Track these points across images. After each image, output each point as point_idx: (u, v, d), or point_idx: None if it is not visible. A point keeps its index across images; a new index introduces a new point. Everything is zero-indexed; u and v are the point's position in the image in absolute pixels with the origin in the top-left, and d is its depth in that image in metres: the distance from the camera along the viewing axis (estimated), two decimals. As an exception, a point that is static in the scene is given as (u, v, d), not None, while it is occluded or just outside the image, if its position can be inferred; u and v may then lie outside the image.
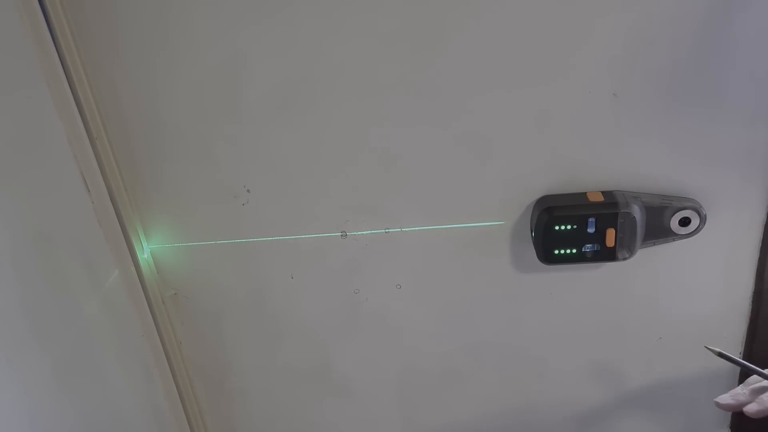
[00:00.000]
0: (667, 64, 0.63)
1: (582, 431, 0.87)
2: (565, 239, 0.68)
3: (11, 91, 0.57)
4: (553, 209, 0.67)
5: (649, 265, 0.73)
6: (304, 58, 0.64)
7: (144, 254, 0.75)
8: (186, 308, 0.80)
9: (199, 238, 0.75)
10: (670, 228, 0.69)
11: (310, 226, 0.74)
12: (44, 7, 0.60)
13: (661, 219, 0.68)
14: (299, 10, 0.62)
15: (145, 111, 0.68)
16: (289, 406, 0.87)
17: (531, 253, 0.72)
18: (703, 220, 0.68)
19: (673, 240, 0.70)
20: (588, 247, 0.68)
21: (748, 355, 0.78)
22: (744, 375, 0.79)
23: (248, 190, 0.72)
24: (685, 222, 0.68)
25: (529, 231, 0.72)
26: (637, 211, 0.66)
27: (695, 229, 0.69)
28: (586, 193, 0.69)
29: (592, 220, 0.67)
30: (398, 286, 0.77)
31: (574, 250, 0.69)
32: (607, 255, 0.68)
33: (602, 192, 0.68)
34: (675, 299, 0.76)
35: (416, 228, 0.73)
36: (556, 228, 0.68)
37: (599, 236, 0.67)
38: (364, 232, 0.74)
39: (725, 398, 0.57)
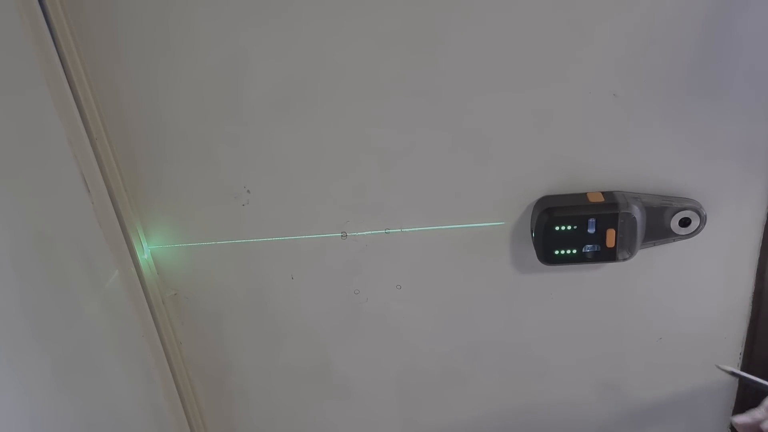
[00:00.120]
0: (667, 64, 0.63)
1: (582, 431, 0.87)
2: (565, 240, 0.68)
3: (11, 92, 0.57)
4: (553, 210, 0.67)
5: (649, 265, 0.73)
6: (305, 59, 0.64)
7: (144, 255, 0.75)
8: (186, 308, 0.80)
9: (199, 239, 0.75)
10: (670, 228, 0.69)
11: (311, 227, 0.74)
12: (44, 7, 0.60)
13: (661, 219, 0.68)
14: (300, 11, 0.62)
15: (146, 111, 0.68)
16: (289, 406, 0.87)
17: (531, 253, 0.72)
18: (703, 220, 0.68)
19: (674, 240, 0.70)
20: (588, 248, 0.68)
21: (748, 355, 0.78)
22: (744, 385, 0.79)
23: (248, 191, 0.72)
24: (685, 222, 0.68)
25: (530, 231, 0.72)
26: (637, 212, 0.66)
27: (695, 230, 0.69)
28: (586, 193, 0.69)
29: (592, 220, 0.67)
30: (398, 287, 0.77)
31: (575, 251, 0.69)
32: (608, 255, 0.68)
33: (602, 192, 0.68)
34: (675, 300, 0.76)
35: (416, 228, 0.73)
36: (557, 228, 0.68)
37: (599, 237, 0.68)
38: (365, 233, 0.74)
39: (742, 417, 0.58)
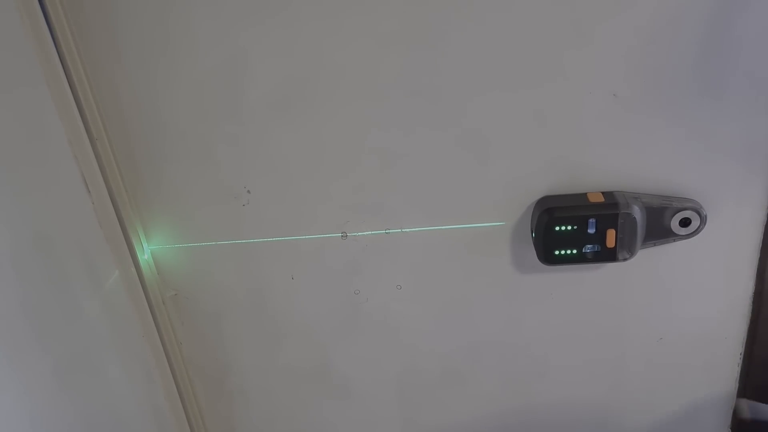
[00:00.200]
0: (667, 64, 0.63)
1: None
2: (565, 240, 0.68)
3: (11, 92, 0.57)
4: (553, 210, 0.67)
5: (649, 265, 0.73)
6: (305, 59, 0.64)
7: (144, 255, 0.75)
8: (186, 309, 0.80)
9: (199, 239, 0.75)
10: (670, 228, 0.69)
11: (311, 227, 0.74)
12: (44, 7, 0.60)
13: (661, 219, 0.68)
14: (300, 11, 0.62)
15: (146, 111, 0.68)
16: (289, 406, 0.87)
17: (531, 253, 0.72)
18: (703, 220, 0.68)
19: (674, 240, 0.70)
20: (588, 248, 0.68)
21: (748, 356, 0.78)
22: (745, 385, 0.79)
23: (249, 191, 0.72)
24: (685, 222, 0.68)
25: (530, 232, 0.72)
26: (637, 212, 0.66)
27: (695, 230, 0.69)
28: (586, 193, 0.69)
29: (592, 220, 0.67)
30: (399, 287, 0.77)
31: (575, 251, 0.69)
32: (608, 255, 0.68)
33: (602, 192, 0.68)
34: (675, 300, 0.76)
35: (417, 229, 0.73)
36: (557, 228, 0.68)
37: (600, 237, 0.67)
38: (365, 233, 0.74)
39: None
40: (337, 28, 0.63)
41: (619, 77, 0.63)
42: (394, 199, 0.72)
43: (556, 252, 0.69)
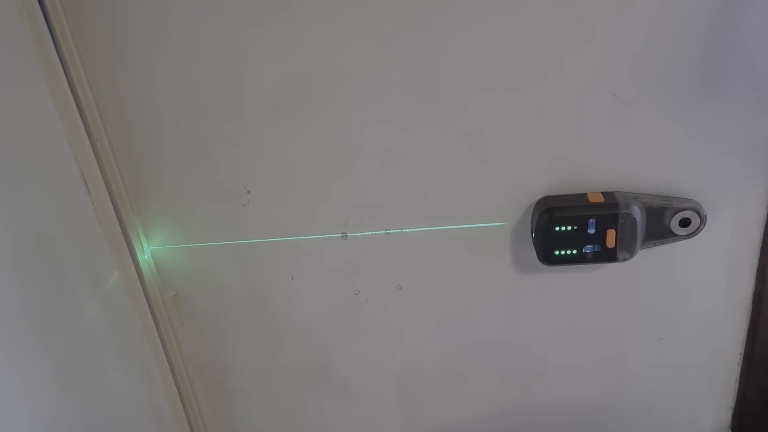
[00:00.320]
0: (667, 64, 0.63)
1: (582, 432, 0.87)
2: (565, 240, 0.68)
3: (11, 92, 0.57)
4: (553, 210, 0.67)
5: (649, 265, 0.73)
6: (305, 59, 0.64)
7: (144, 255, 0.75)
8: (186, 309, 0.80)
9: (199, 239, 0.75)
10: (670, 229, 0.69)
11: (311, 227, 0.74)
12: (44, 7, 0.60)
13: (661, 220, 0.68)
14: (300, 11, 0.62)
15: (146, 111, 0.68)
16: (289, 406, 0.87)
17: (531, 254, 0.72)
18: (703, 220, 0.68)
19: (674, 241, 0.70)
20: (588, 248, 0.68)
21: (748, 356, 0.78)
22: (745, 386, 0.79)
23: (249, 191, 0.72)
24: (685, 223, 0.68)
25: (530, 232, 0.72)
26: (637, 212, 0.66)
27: (695, 230, 0.69)
28: (586, 193, 0.69)
29: (592, 221, 0.67)
30: (399, 287, 0.77)
31: (575, 251, 0.69)
32: (608, 256, 0.68)
33: (602, 193, 0.68)
34: (675, 300, 0.76)
35: (417, 229, 0.73)
36: (557, 229, 0.68)
37: (600, 237, 0.67)
38: (365, 233, 0.74)
39: None
40: (336, 28, 0.63)
41: (620, 77, 0.63)
42: (394, 200, 0.72)
43: (556, 252, 0.69)
